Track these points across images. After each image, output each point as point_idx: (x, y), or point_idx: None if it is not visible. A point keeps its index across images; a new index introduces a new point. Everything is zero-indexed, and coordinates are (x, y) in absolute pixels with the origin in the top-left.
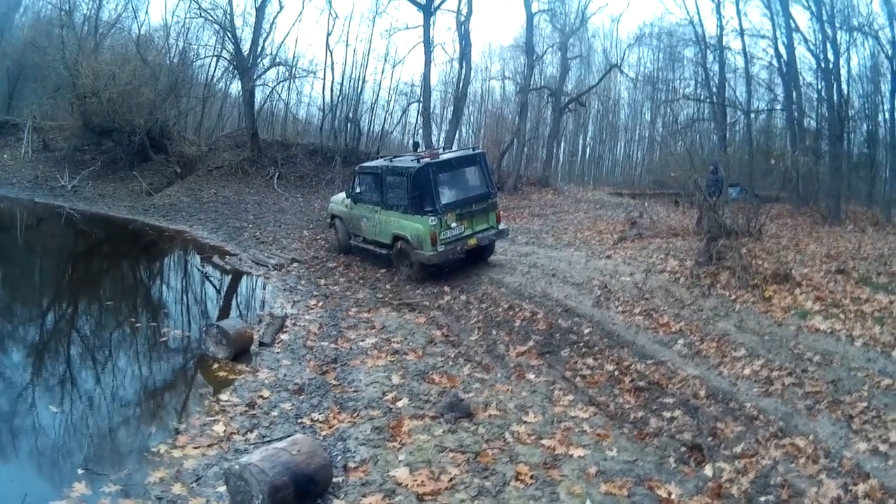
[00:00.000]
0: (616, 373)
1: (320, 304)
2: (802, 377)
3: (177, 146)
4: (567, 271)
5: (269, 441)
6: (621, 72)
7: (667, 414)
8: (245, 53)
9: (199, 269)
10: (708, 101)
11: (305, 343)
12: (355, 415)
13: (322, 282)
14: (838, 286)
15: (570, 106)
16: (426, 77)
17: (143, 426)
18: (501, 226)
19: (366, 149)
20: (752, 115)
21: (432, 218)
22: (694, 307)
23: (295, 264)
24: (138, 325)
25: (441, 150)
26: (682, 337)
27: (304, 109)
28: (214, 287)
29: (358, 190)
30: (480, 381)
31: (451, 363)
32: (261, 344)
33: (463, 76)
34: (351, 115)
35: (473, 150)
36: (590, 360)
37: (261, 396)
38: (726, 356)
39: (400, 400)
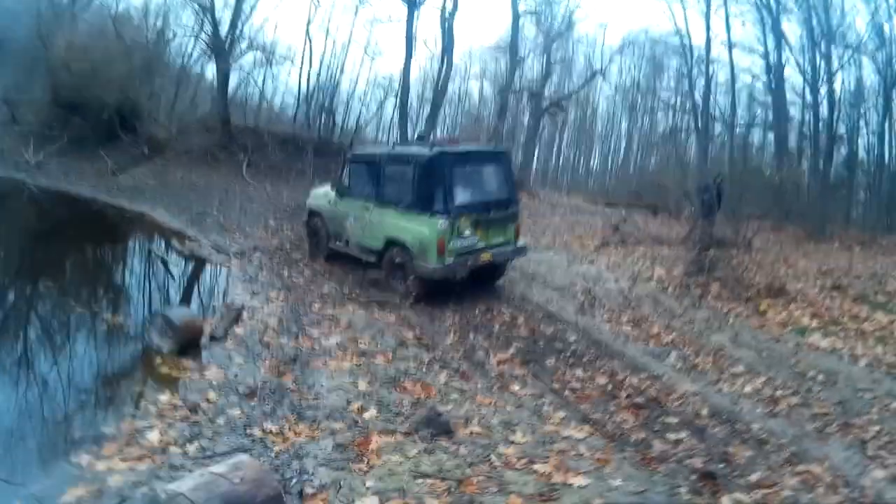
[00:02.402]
0: (609, 387)
1: (282, 296)
2: (808, 397)
3: (146, 127)
4: (547, 275)
5: (210, 457)
6: (604, 78)
7: (671, 436)
8: (223, 35)
9: (155, 254)
10: (692, 112)
11: (262, 339)
12: (315, 427)
13: (285, 273)
14: (835, 303)
15: (549, 110)
16: (406, 70)
17: (67, 429)
18: (521, 242)
19: (339, 141)
20: (736, 129)
21: (442, 220)
22: (685, 318)
23: (257, 253)
24: (77, 309)
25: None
26: (675, 349)
27: (279, 97)
28: (168, 273)
29: (347, 182)
30: (459, 391)
31: (425, 369)
32: (212, 338)
33: (444, 72)
34: (326, 105)
35: (496, 147)
36: (579, 372)
37: (206, 399)
38: (724, 372)
39: (367, 411)
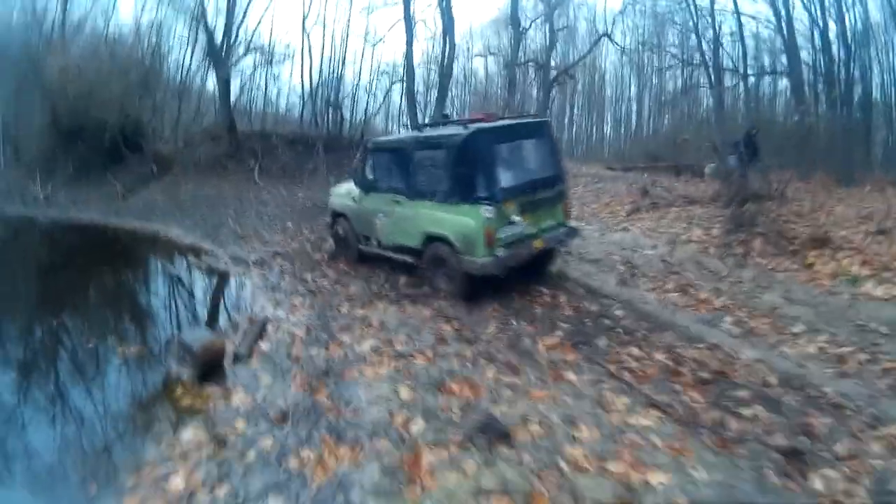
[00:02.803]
0: (669, 363)
1: (307, 302)
2: (875, 352)
3: (152, 145)
4: (582, 247)
5: (243, 502)
6: (611, 40)
7: (746, 411)
8: (218, 42)
9: (170, 273)
10: (702, 66)
11: (290, 352)
12: (357, 448)
13: (308, 276)
14: (882, 248)
15: (557, 80)
16: (409, 55)
17: (82, 482)
18: (572, 223)
19: (349, 134)
20: (749, 80)
21: (487, 208)
22: (732, 279)
23: (277, 259)
24: (90, 343)
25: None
26: (728, 314)
27: (284, 97)
28: (186, 291)
29: (371, 175)
30: (510, 386)
31: (469, 366)
32: (235, 357)
33: (447, 53)
34: (332, 99)
35: (536, 118)
36: (634, 350)
37: (234, 430)
38: (783, 333)
39: (413, 422)
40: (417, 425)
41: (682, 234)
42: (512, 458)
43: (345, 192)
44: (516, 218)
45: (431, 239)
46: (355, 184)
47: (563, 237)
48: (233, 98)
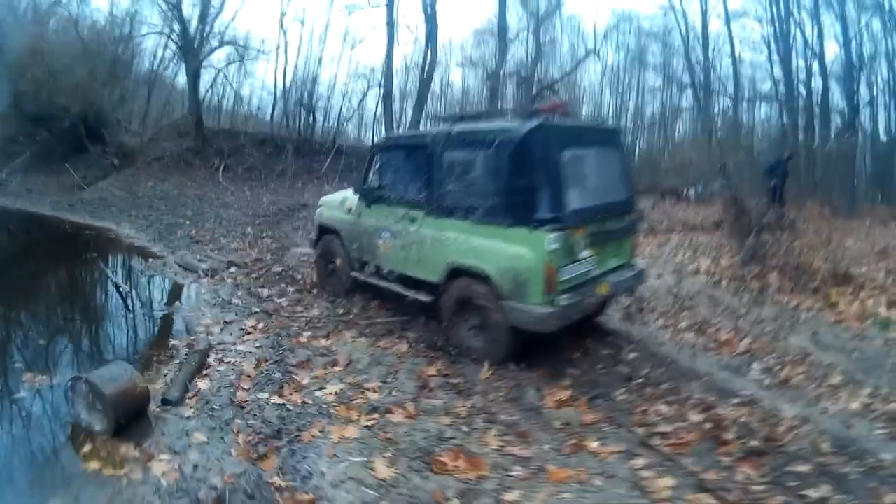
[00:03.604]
0: (708, 425)
1: (261, 325)
2: None
3: (116, 136)
4: None
5: None
6: (598, 57)
7: (812, 493)
8: (192, 33)
9: (109, 280)
10: (691, 87)
11: (234, 396)
12: None
13: (265, 292)
14: None
15: (541, 94)
16: (388, 58)
17: None
18: (638, 262)
19: (321, 138)
20: (743, 104)
21: (552, 236)
22: (751, 318)
23: (233, 269)
24: None
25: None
26: (755, 359)
27: (256, 96)
28: (122, 304)
29: (377, 181)
30: (520, 460)
31: (464, 428)
32: (165, 401)
33: (429, 58)
34: (305, 100)
35: (608, 124)
36: (662, 407)
37: None
38: (821, 385)
39: None
40: None
41: (689, 263)
42: None
43: (338, 202)
44: (586, 252)
45: (458, 273)
46: (355, 191)
47: (630, 282)
48: (203, 93)
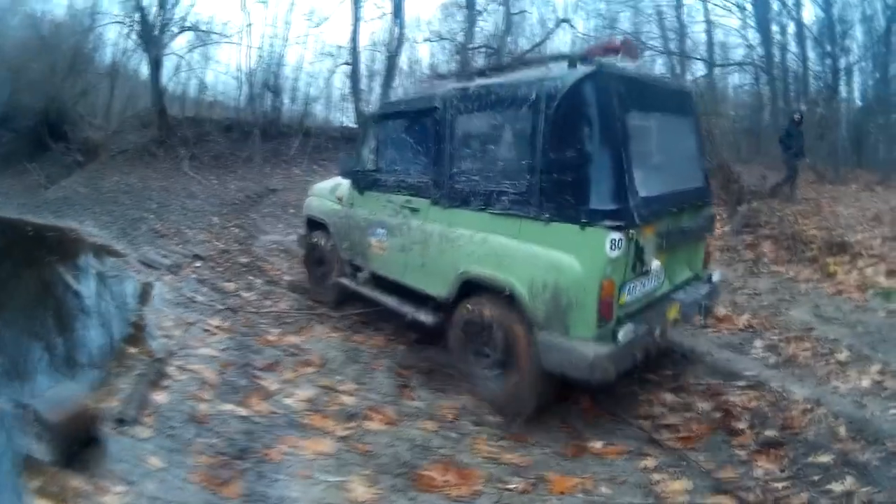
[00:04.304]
0: (717, 413)
1: (226, 323)
2: None
3: (79, 132)
4: None
5: None
6: (571, 26)
7: (836, 487)
8: (151, 20)
9: (66, 282)
10: (668, 53)
11: (194, 411)
12: None
13: (231, 286)
14: None
15: (512, 67)
16: (355, 35)
17: None
18: (714, 274)
19: (288, 120)
20: (719, 70)
21: (614, 236)
22: (748, 291)
23: (197, 262)
24: None
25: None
26: (757, 336)
27: (221, 81)
28: (76, 309)
29: (371, 162)
30: (517, 469)
31: (452, 435)
32: (119, 421)
33: (396, 34)
34: (271, 83)
35: (679, 83)
36: (667, 395)
37: None
38: (828, 362)
39: None
40: None
41: None
42: None
43: (328, 190)
44: (655, 263)
45: (472, 286)
46: (343, 174)
47: (706, 301)
48: (166, 82)
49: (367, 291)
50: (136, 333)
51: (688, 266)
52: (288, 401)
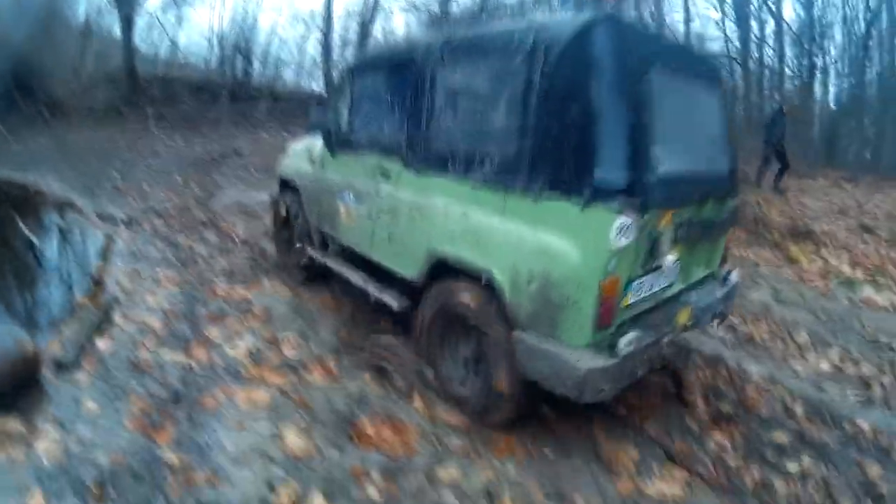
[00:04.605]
0: (671, 386)
1: (175, 275)
2: None
3: (47, 90)
4: None
5: None
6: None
7: (791, 465)
8: None
9: (23, 235)
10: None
11: (135, 357)
12: None
13: (185, 241)
14: (870, 249)
15: None
16: (329, 2)
17: None
18: (733, 274)
19: (258, 84)
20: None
21: (622, 220)
22: None
23: (152, 217)
24: None
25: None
26: None
27: (193, 42)
28: (32, 261)
29: (346, 120)
30: (456, 428)
31: (390, 390)
32: (59, 365)
33: (371, 1)
34: (242, 45)
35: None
36: None
37: None
38: (787, 344)
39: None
40: None
41: None
42: None
43: (302, 151)
44: (670, 257)
45: (446, 269)
46: (312, 129)
47: (720, 305)
48: (137, 41)
49: (333, 264)
50: (87, 284)
51: (705, 263)
52: (230, 351)
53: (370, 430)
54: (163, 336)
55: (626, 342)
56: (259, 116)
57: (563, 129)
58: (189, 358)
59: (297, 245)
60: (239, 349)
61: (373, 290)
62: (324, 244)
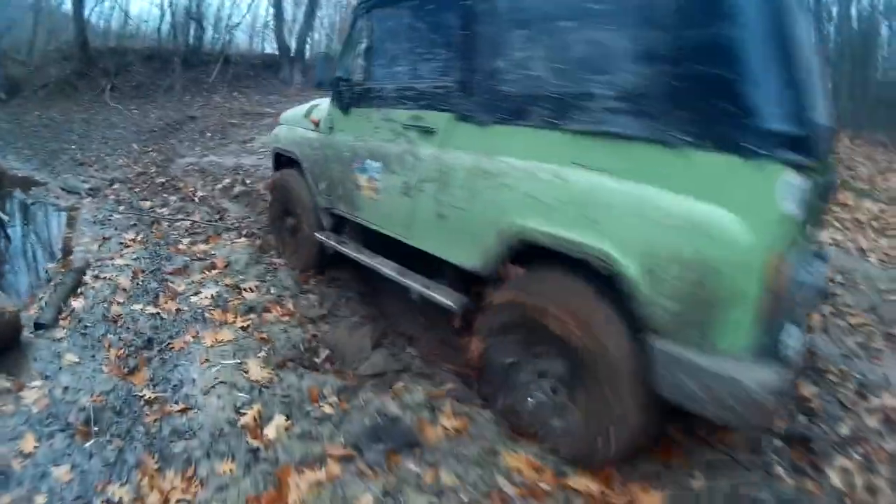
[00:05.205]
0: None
1: (140, 237)
2: (836, 304)
3: (1, 68)
4: None
5: None
6: None
7: None
8: None
9: None
10: None
11: (108, 311)
12: (192, 478)
13: (147, 204)
14: None
15: None
16: None
17: None
18: (830, 250)
19: (210, 48)
20: None
21: (793, 178)
22: None
23: (116, 185)
24: None
25: None
26: None
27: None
28: (3, 235)
29: (362, 69)
30: (412, 356)
31: (343, 319)
32: (37, 325)
33: None
34: (193, 10)
35: None
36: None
37: (20, 453)
38: None
39: (270, 424)
40: (276, 425)
41: None
42: (427, 481)
43: (300, 116)
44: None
45: (528, 254)
46: (320, 84)
47: (823, 284)
48: (88, 14)
49: (354, 253)
50: (58, 253)
51: (813, 237)
52: (194, 299)
53: (328, 360)
54: (133, 291)
55: (794, 340)
56: (210, 80)
57: (713, 55)
58: (158, 308)
59: (305, 233)
60: (203, 297)
61: (417, 286)
62: (335, 226)
